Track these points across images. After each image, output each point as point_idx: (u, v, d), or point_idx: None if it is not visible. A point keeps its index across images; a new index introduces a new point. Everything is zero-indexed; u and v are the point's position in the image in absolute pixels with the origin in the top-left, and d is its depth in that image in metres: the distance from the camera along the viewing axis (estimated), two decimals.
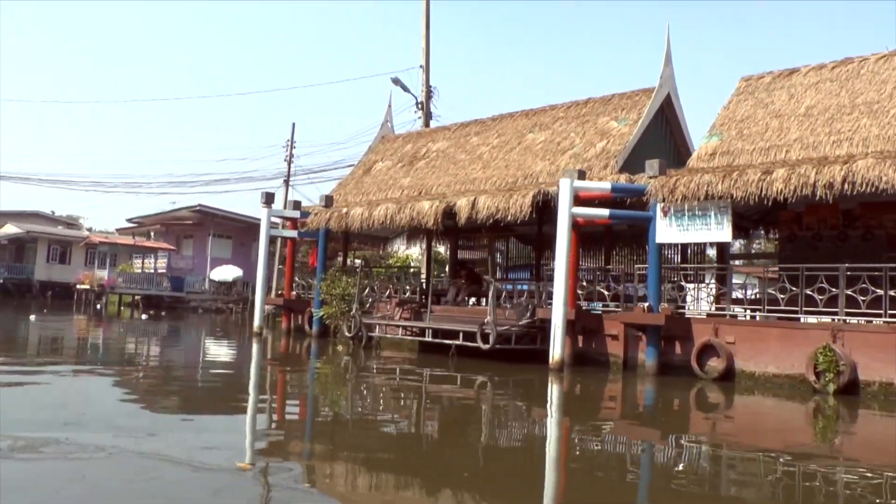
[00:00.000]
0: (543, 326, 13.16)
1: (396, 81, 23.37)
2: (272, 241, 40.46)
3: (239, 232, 41.04)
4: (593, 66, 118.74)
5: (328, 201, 17.26)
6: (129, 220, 46.33)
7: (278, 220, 18.95)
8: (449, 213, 14.17)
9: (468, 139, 17.83)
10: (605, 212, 12.17)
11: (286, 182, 28.97)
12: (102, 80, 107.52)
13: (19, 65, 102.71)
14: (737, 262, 19.49)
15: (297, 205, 17.97)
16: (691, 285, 14.08)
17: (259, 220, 40.98)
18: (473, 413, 8.51)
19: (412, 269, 21.31)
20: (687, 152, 16.38)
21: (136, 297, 36.82)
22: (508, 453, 6.22)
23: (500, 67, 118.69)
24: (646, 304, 11.98)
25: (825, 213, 13.80)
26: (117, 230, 47.12)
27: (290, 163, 28.48)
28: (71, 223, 54.38)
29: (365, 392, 9.74)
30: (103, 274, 36.93)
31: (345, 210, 16.06)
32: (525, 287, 15.66)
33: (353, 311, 15.10)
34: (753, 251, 26.51)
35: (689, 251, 16.67)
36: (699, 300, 13.53)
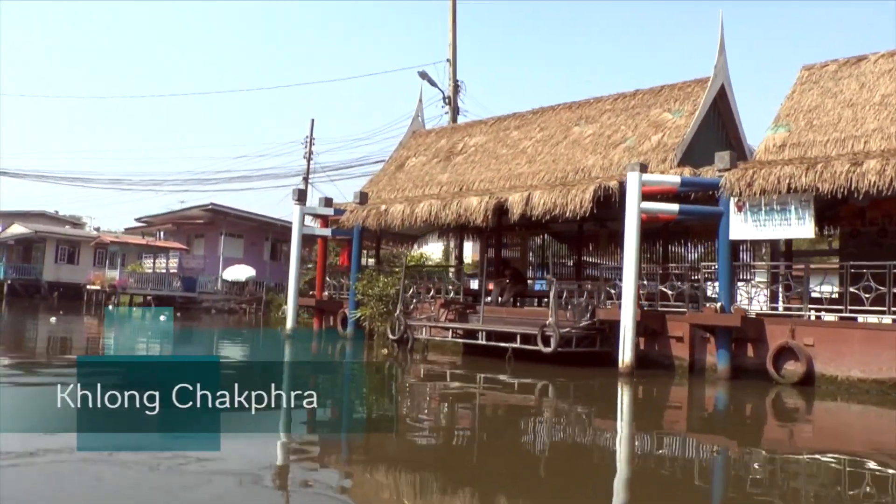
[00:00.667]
0: (602, 328, 12.55)
1: (424, 75, 22.71)
2: (286, 240, 40.07)
3: (251, 231, 40.38)
4: (620, 60, 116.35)
5: (363, 198, 16.58)
6: (138, 220, 45.57)
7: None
8: (500, 210, 13.49)
9: (508, 133, 17.17)
10: (674, 207, 11.51)
11: (305, 179, 28.24)
12: (112, 77, 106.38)
13: (22, 59, 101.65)
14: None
15: (328, 202, 17.29)
16: (741, 283, 13.50)
17: (274, 218, 40.84)
18: (552, 424, 7.87)
19: (452, 269, 20.57)
20: (739, 145, 15.76)
21: (148, 298, 36.11)
22: (593, 469, 5.62)
23: (524, 62, 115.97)
24: (717, 304, 11.33)
25: (890, 208, 13.18)
26: (126, 230, 46.38)
27: (309, 160, 27.81)
28: (75, 223, 53.65)
29: (430, 399, 9.09)
30: (114, 274, 36.21)
31: (384, 207, 15.38)
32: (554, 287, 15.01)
33: (398, 312, 14.43)
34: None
35: (740, 249, 16.03)
36: (753, 299, 12.92)
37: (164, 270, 37.97)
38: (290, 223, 40.36)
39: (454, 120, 23.26)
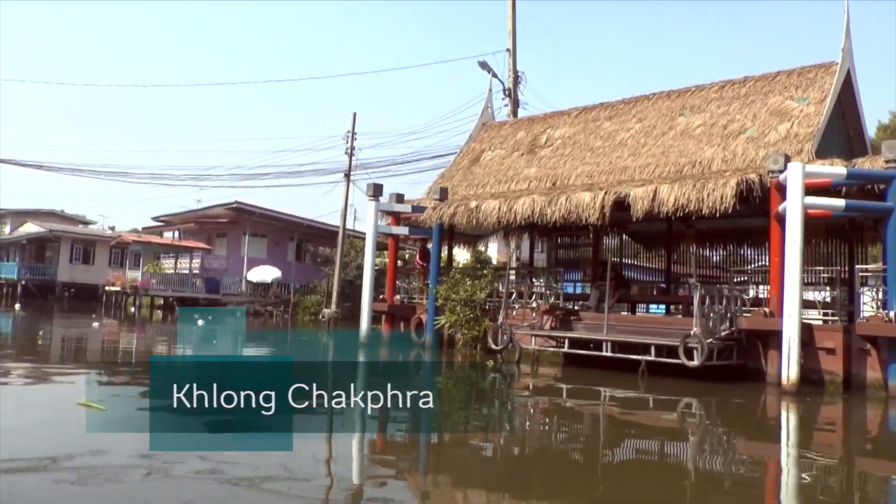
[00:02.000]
0: (739, 338, 11.23)
1: (484, 65, 21.36)
2: (311, 240, 38.57)
3: (274, 231, 38.97)
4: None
5: (443, 194, 15.22)
6: (155, 219, 44.14)
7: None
8: (620, 206, 12.16)
9: (599, 124, 15.84)
10: (839, 202, 10.19)
11: (347, 176, 26.79)
12: (144, 66, 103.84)
13: (29, 48, 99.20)
14: None
15: (399, 198, 15.91)
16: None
17: (300, 217, 39.42)
18: (733, 454, 6.51)
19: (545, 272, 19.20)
20: (860, 136, 14.50)
21: (171, 300, 34.64)
22: None
23: (584, 54, 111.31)
24: (889, 312, 10.01)
25: None
26: (144, 229, 44.88)
27: (350, 155, 26.32)
28: (84, 223, 52.07)
29: (568, 418, 7.75)
30: (136, 275, 34.70)
31: (474, 203, 14.02)
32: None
33: (501, 319, 13.04)
34: None
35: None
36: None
37: (186, 271, 36.50)
38: (319, 223, 39.49)
39: (514, 113, 21.92)
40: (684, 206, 11.32)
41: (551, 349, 12.99)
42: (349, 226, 39.64)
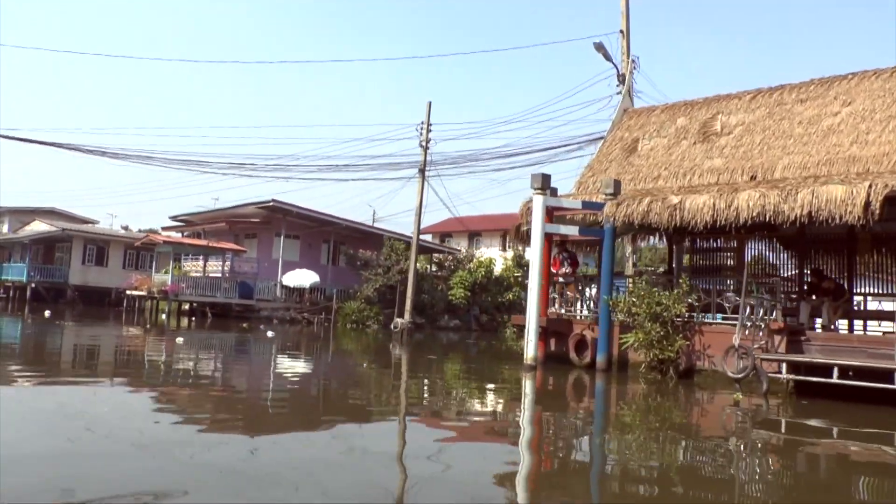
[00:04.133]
0: None
1: (600, 47, 19.04)
2: (345, 242, 35.61)
3: (308, 232, 36.29)
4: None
5: (617, 188, 12.84)
6: (174, 218, 41.23)
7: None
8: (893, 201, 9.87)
9: (788, 108, 13.58)
10: None
11: (422, 171, 24.22)
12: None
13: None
14: None
15: (554, 192, 13.52)
16: None
17: (337, 217, 36.74)
18: None
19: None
20: None
21: (198, 305, 31.80)
22: None
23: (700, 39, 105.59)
24: None
25: None
26: (163, 229, 41.90)
27: (426, 148, 23.76)
28: (87, 221, 48.87)
29: None
30: (164, 278, 31.81)
31: (676, 200, 11.66)
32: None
33: (736, 341, 10.65)
34: None
35: None
36: None
37: (217, 274, 33.71)
38: (358, 223, 36.84)
39: (629, 100, 19.59)
40: None
41: (780, 376, 10.64)
42: (361, 224, 37.22)
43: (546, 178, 12.67)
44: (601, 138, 19.90)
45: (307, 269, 34.62)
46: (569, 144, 20.00)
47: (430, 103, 23.68)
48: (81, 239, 38.79)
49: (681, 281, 12.27)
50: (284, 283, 33.84)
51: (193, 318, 29.78)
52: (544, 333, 13.73)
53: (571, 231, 13.16)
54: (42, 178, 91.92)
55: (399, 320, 24.07)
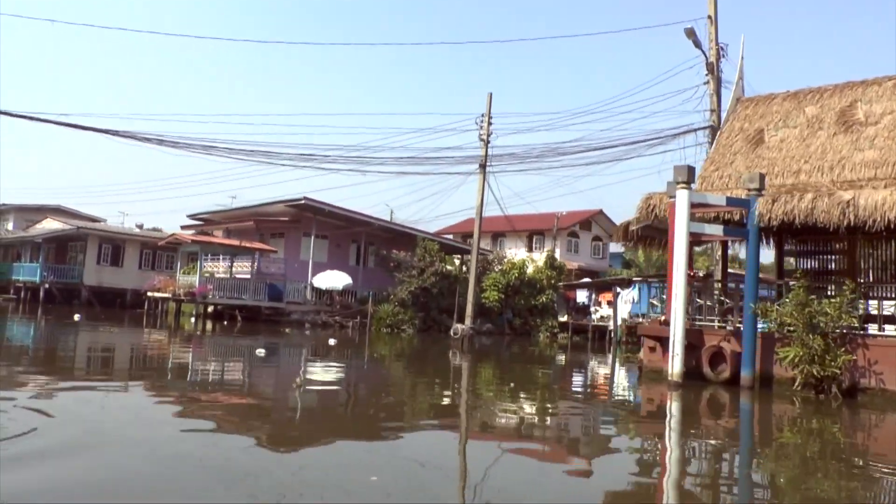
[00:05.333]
0: None
1: (691, 33, 17.66)
2: (375, 243, 33.82)
3: (336, 231, 34.73)
4: None
5: (761, 182, 11.44)
6: (192, 217, 39.62)
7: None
8: None
9: None
10: None
11: (483, 167, 22.70)
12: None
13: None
14: None
15: (687, 184, 12.11)
16: None
17: (369, 216, 35.20)
18: None
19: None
20: None
21: (223, 308, 30.16)
22: None
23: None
24: None
25: None
26: (183, 228, 40.21)
27: (486, 142, 22.26)
28: (92, 219, 47.09)
29: None
30: (191, 280, 30.17)
31: (848, 196, 10.27)
32: None
33: None
34: None
35: None
36: None
37: (245, 276, 32.14)
38: (392, 223, 35.26)
39: (718, 92, 18.25)
40: None
41: None
42: (394, 224, 35.68)
43: (691, 171, 11.26)
44: (690, 131, 18.53)
45: (335, 270, 33.08)
46: (651, 139, 18.63)
47: (490, 94, 22.26)
48: (97, 238, 37.10)
49: (844, 288, 10.87)
50: (316, 284, 32.28)
51: (225, 322, 28.17)
52: (663, 345, 12.34)
53: (716, 231, 11.74)
54: (43, 177, 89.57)
55: (459, 326, 22.60)
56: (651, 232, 14.81)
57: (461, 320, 23.64)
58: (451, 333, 22.91)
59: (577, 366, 18.45)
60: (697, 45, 18.05)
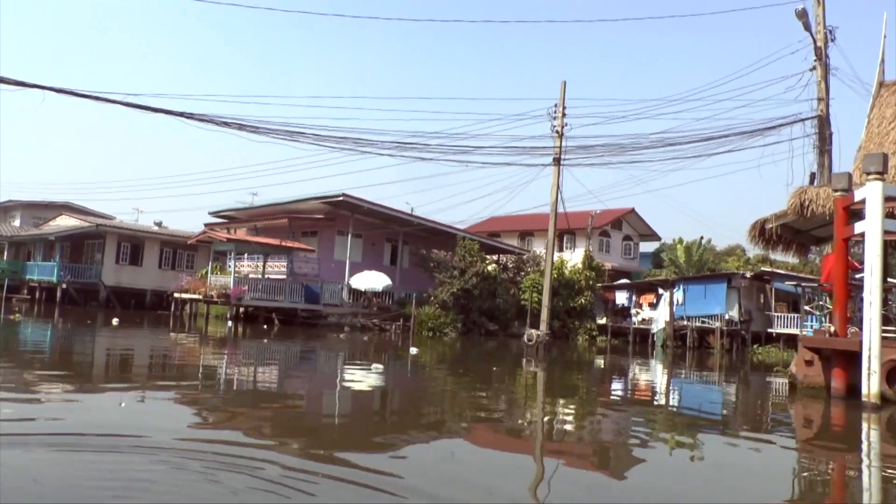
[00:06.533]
0: None
1: (802, 14, 16.28)
2: (412, 242, 31.56)
3: (371, 230, 33.22)
4: None
5: None
6: (214, 214, 38.00)
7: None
8: None
9: None
10: None
11: (556, 161, 21.19)
12: None
13: None
14: None
15: (849, 179, 10.74)
16: None
17: (408, 214, 33.68)
18: None
19: None
20: None
21: (250, 310, 28.55)
22: None
23: None
24: None
25: None
26: (206, 225, 38.53)
27: (561, 134, 20.77)
28: (105, 217, 45.34)
29: None
30: (224, 281, 28.54)
31: None
32: None
33: None
34: None
35: None
36: None
37: (280, 276, 30.57)
38: (432, 221, 33.67)
39: (826, 80, 16.90)
40: None
41: None
42: (435, 222, 34.16)
43: (885, 159, 9.84)
44: (798, 121, 17.22)
45: (370, 270, 31.55)
46: (753, 131, 17.23)
47: (564, 83, 20.75)
48: (115, 235, 35.38)
49: None
50: (354, 285, 30.74)
51: (266, 326, 26.57)
52: (826, 359, 10.95)
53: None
54: (43, 173, 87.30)
55: (533, 331, 21.10)
56: (786, 232, 13.46)
57: (534, 325, 22.14)
58: (525, 340, 21.41)
59: (686, 377, 17.01)
60: (807, 27, 16.68)
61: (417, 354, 16.33)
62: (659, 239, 48.28)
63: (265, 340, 19.27)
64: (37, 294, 35.21)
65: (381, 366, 12.70)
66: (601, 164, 20.60)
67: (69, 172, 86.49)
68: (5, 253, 39.21)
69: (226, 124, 12.98)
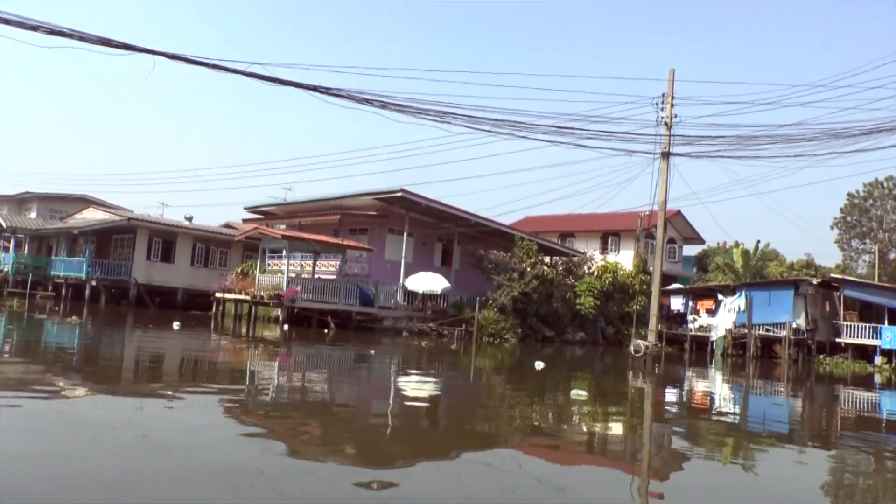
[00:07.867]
0: None
1: None
2: (466, 242, 29.33)
3: (422, 228, 31.24)
4: None
5: None
6: (250, 209, 35.92)
7: None
8: None
9: None
10: None
11: (665, 155, 19.35)
12: None
13: None
14: None
15: None
16: None
17: (465, 212, 31.68)
18: None
19: None
20: None
21: (325, 315, 26.55)
22: None
23: None
24: None
25: None
26: (243, 221, 36.43)
27: (669, 126, 18.95)
28: (126, 211, 43.07)
29: None
30: (276, 280, 26.49)
31: None
32: None
33: None
34: None
35: None
36: None
37: (331, 276, 28.53)
38: (490, 220, 31.63)
39: None
40: None
41: None
42: (491, 221, 32.28)
43: None
44: None
45: (421, 270, 29.61)
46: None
47: (672, 71, 18.94)
48: (147, 230, 33.21)
49: None
50: (409, 287, 28.77)
51: (326, 330, 24.59)
52: None
53: None
54: (51, 164, 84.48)
55: (641, 342, 19.24)
56: None
57: (640, 335, 20.26)
58: (633, 351, 19.51)
59: (839, 393, 15.26)
60: None
61: (544, 369, 14.43)
62: (703, 242, 46.58)
63: (340, 346, 17.32)
64: (62, 291, 32.99)
65: (583, 392, 10.70)
66: (722, 156, 18.58)
67: (78, 165, 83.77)
68: (26, 247, 36.96)
69: (367, 101, 11.04)
